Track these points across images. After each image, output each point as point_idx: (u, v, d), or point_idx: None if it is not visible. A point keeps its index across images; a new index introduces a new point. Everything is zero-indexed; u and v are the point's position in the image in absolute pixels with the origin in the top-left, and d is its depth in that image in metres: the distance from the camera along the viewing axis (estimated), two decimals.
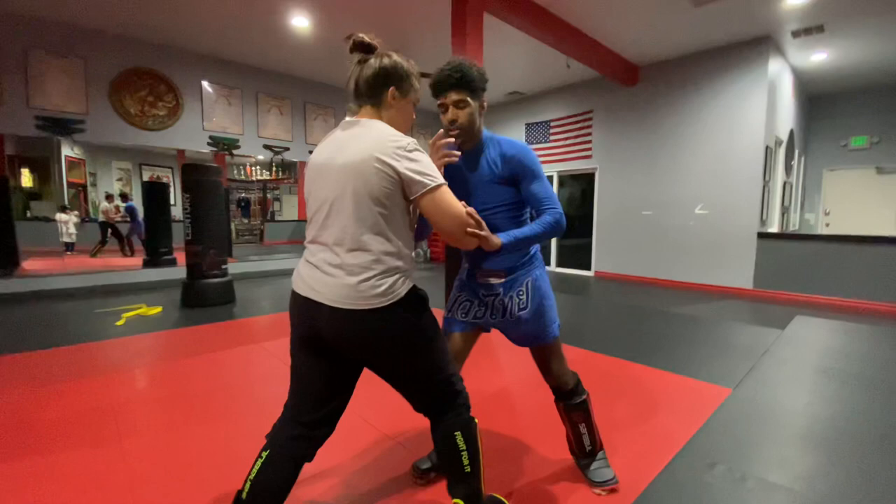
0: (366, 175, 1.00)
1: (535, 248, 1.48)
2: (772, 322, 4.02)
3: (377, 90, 1.12)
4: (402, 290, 1.05)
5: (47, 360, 2.86)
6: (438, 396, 1.17)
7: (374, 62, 1.11)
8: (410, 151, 1.02)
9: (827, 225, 7.81)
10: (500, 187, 1.37)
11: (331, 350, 1.09)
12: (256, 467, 1.08)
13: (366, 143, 1.03)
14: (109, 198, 7.98)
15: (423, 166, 1.02)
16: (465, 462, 1.15)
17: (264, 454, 1.09)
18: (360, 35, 1.11)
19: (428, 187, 1.01)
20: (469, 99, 1.32)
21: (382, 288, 1.02)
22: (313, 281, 1.06)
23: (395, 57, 1.13)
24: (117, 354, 3.01)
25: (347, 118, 1.14)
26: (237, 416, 2.10)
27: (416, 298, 1.09)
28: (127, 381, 2.54)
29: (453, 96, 1.32)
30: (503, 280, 1.43)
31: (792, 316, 4.19)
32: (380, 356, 1.08)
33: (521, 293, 1.42)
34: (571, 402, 1.53)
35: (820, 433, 1.96)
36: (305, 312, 1.07)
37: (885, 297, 4.84)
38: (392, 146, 1.01)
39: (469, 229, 1.08)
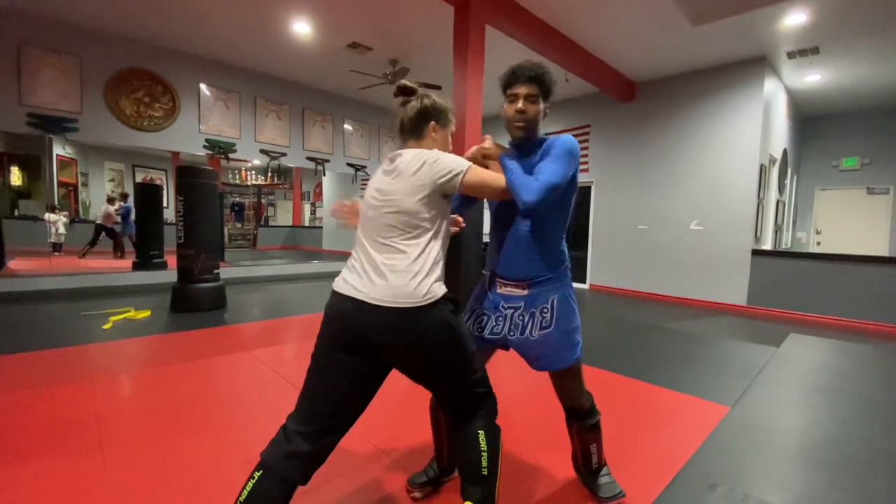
0: (406, 190, 1.15)
1: (566, 265, 1.39)
2: (766, 339, 4.02)
3: (419, 126, 1.28)
4: (440, 293, 1.13)
5: (29, 363, 2.77)
6: (469, 397, 1.22)
7: (415, 103, 1.28)
8: (434, 160, 1.18)
9: (818, 244, 7.89)
10: None
11: (366, 349, 1.11)
12: (247, 489, 1.04)
13: (406, 163, 1.19)
14: (111, 201, 7.90)
15: (447, 163, 1.18)
16: (484, 464, 1.14)
17: (256, 475, 1.05)
18: (403, 82, 1.31)
19: (460, 175, 1.18)
20: (539, 97, 1.32)
21: (423, 289, 1.10)
22: (356, 282, 1.13)
23: (434, 97, 1.31)
24: (102, 359, 2.92)
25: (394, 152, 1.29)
26: (225, 427, 2.03)
27: (451, 301, 1.17)
28: (111, 387, 2.46)
29: (526, 89, 1.31)
30: (525, 293, 1.34)
31: (785, 333, 4.20)
32: (419, 354, 1.12)
33: (545, 311, 1.33)
34: (586, 423, 1.50)
35: (819, 453, 1.93)
36: (348, 312, 1.11)
37: (874, 316, 4.87)
38: (424, 159, 1.18)
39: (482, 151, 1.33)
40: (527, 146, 1.36)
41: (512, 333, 1.38)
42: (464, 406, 1.22)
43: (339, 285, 1.16)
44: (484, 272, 1.48)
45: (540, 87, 1.31)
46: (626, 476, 1.67)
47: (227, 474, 1.62)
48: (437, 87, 6.34)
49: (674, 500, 1.55)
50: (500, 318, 1.39)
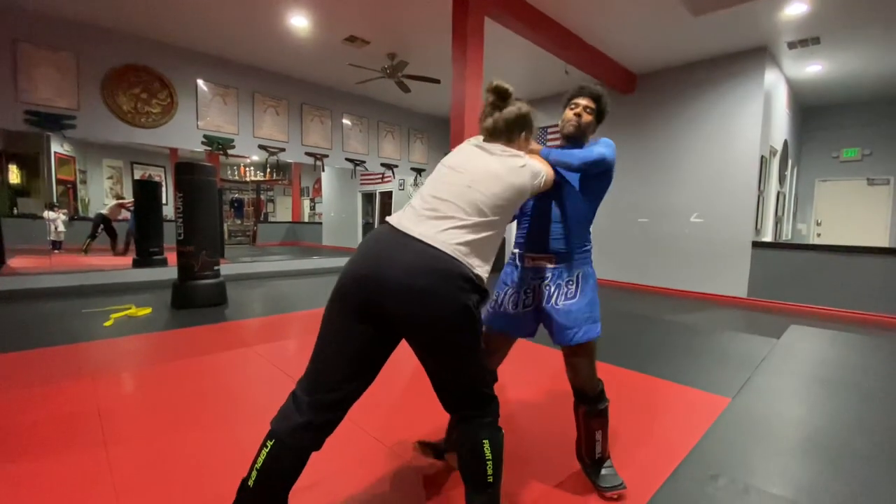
0: (508, 176, 1.20)
1: (590, 245, 1.58)
2: (766, 331, 4.03)
3: (514, 133, 1.31)
4: (483, 274, 1.14)
5: (31, 361, 2.77)
6: (473, 396, 1.18)
7: (514, 109, 1.29)
8: (528, 162, 1.27)
9: (818, 235, 7.89)
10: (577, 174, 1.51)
11: (380, 310, 1.07)
12: (262, 457, 1.06)
13: (512, 155, 1.25)
14: (120, 199, 7.94)
15: (537, 165, 1.29)
16: (489, 472, 1.14)
17: (269, 443, 1.07)
18: (498, 83, 1.30)
19: (546, 175, 1.32)
20: (594, 110, 1.56)
21: (475, 259, 1.11)
22: (412, 223, 1.11)
23: (528, 107, 1.32)
24: (104, 356, 2.93)
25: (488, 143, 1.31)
26: (228, 422, 2.03)
27: (482, 284, 1.15)
28: (114, 384, 2.47)
29: (586, 102, 1.55)
30: (553, 266, 1.50)
31: (786, 325, 4.20)
32: (437, 324, 1.07)
33: (570, 283, 1.49)
34: (594, 407, 1.55)
35: (820, 444, 1.94)
36: (380, 254, 1.08)
37: (875, 307, 4.88)
38: (525, 161, 1.26)
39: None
40: (572, 144, 1.58)
41: (540, 302, 1.53)
42: (468, 406, 1.19)
43: (391, 219, 1.15)
44: (514, 251, 1.61)
45: (597, 104, 1.55)
46: (627, 467, 1.68)
47: (232, 469, 1.62)
48: (436, 81, 6.32)
49: (675, 491, 1.56)
50: (529, 291, 1.55)
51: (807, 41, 5.12)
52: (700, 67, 5.96)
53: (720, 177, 5.85)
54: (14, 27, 4.81)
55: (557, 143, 1.67)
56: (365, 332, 1.09)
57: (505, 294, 1.57)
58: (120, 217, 7.75)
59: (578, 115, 1.53)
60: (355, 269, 1.10)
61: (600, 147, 1.42)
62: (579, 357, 1.50)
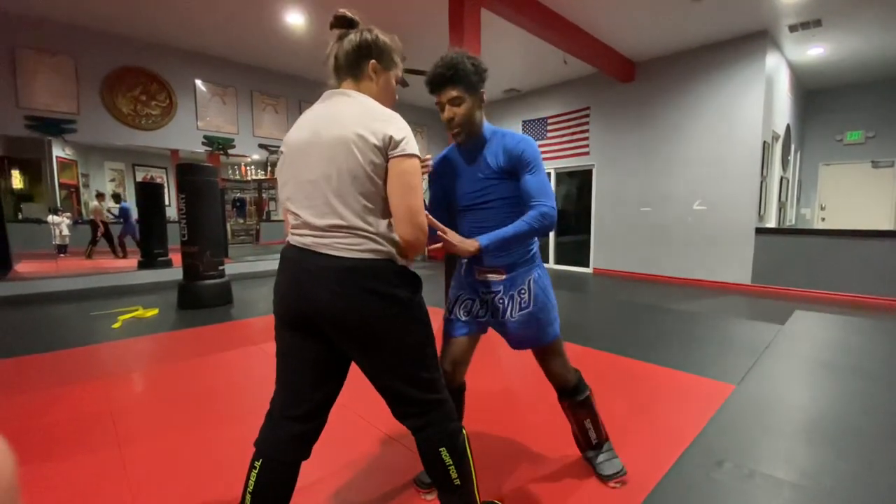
0: (353, 150, 0.96)
1: (535, 246, 1.44)
2: (771, 317, 4.03)
3: (358, 63, 1.08)
4: (398, 258, 1.04)
5: (42, 364, 2.81)
6: (421, 400, 1.07)
7: (354, 37, 1.08)
8: (399, 126, 1.00)
9: (822, 220, 7.84)
10: (501, 182, 1.32)
11: (308, 322, 1.02)
12: (252, 479, 1.02)
13: (352, 115, 0.99)
14: (100, 196, 7.81)
15: (409, 136, 1.01)
16: (454, 476, 1.09)
17: (257, 464, 1.03)
18: (342, 10, 1.10)
19: (404, 152, 0.98)
20: (465, 95, 1.27)
21: (376, 247, 0.99)
22: (311, 241, 1.01)
23: (377, 31, 1.10)
24: (114, 358, 2.96)
25: (328, 91, 1.09)
26: (238, 419, 2.06)
27: (409, 273, 1.05)
28: (125, 384, 2.50)
29: (449, 93, 1.27)
30: (503, 278, 1.38)
31: (791, 311, 4.20)
32: (367, 327, 0.99)
33: (522, 292, 1.38)
34: (575, 399, 1.52)
35: (825, 428, 1.95)
36: (298, 274, 1.00)
37: (880, 290, 4.86)
38: (380, 117, 1.00)
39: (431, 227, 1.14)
40: (470, 145, 1.35)
41: (494, 317, 1.43)
42: (416, 412, 1.08)
43: (292, 237, 1.05)
44: (462, 260, 1.46)
45: (460, 84, 1.26)
46: (633, 455, 1.69)
47: (244, 466, 1.64)
48: None
49: (681, 477, 1.57)
50: (483, 304, 1.44)
51: (808, 24, 5.07)
52: (700, 53, 5.91)
53: (722, 163, 5.82)
54: (12, 33, 4.82)
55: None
56: (312, 344, 1.04)
57: (457, 300, 1.47)
58: (105, 216, 7.66)
59: (450, 118, 1.29)
60: (280, 273, 1.06)
61: (540, 183, 1.28)
62: (547, 356, 1.46)
